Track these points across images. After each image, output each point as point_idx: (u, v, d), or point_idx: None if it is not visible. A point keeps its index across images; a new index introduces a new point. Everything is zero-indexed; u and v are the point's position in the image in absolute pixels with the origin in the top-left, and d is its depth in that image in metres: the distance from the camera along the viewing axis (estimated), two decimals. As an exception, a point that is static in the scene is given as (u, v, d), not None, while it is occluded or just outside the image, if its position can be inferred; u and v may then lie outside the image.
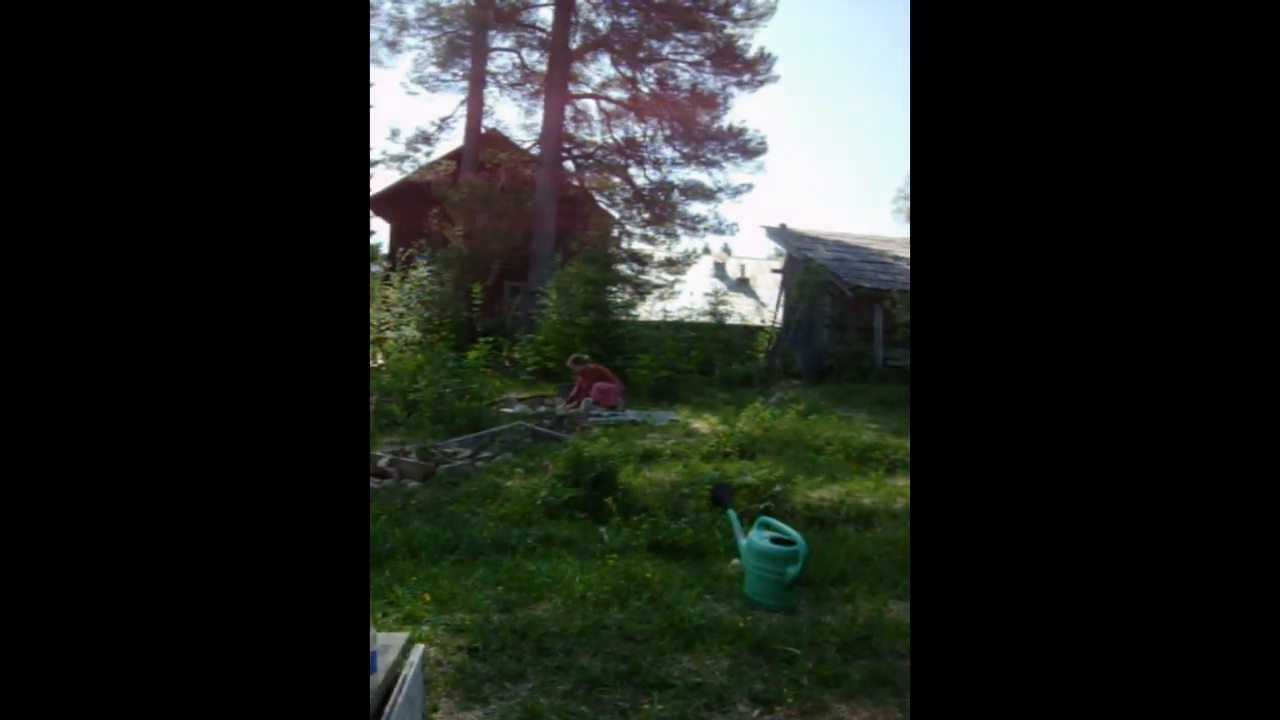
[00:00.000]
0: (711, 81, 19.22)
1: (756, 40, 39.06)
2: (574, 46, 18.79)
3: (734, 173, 24.89)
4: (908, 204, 36.91)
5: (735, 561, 4.38)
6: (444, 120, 19.77)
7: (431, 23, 19.02)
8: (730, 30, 18.56)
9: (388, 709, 1.77)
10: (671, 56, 19.00)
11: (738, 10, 18.35)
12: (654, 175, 19.97)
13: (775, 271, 20.88)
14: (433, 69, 19.72)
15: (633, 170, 20.01)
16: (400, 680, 1.89)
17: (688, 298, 17.08)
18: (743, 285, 25.40)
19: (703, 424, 8.83)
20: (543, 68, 19.04)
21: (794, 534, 4.00)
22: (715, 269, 26.61)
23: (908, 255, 16.93)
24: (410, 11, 19.03)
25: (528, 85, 20.01)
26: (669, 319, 14.83)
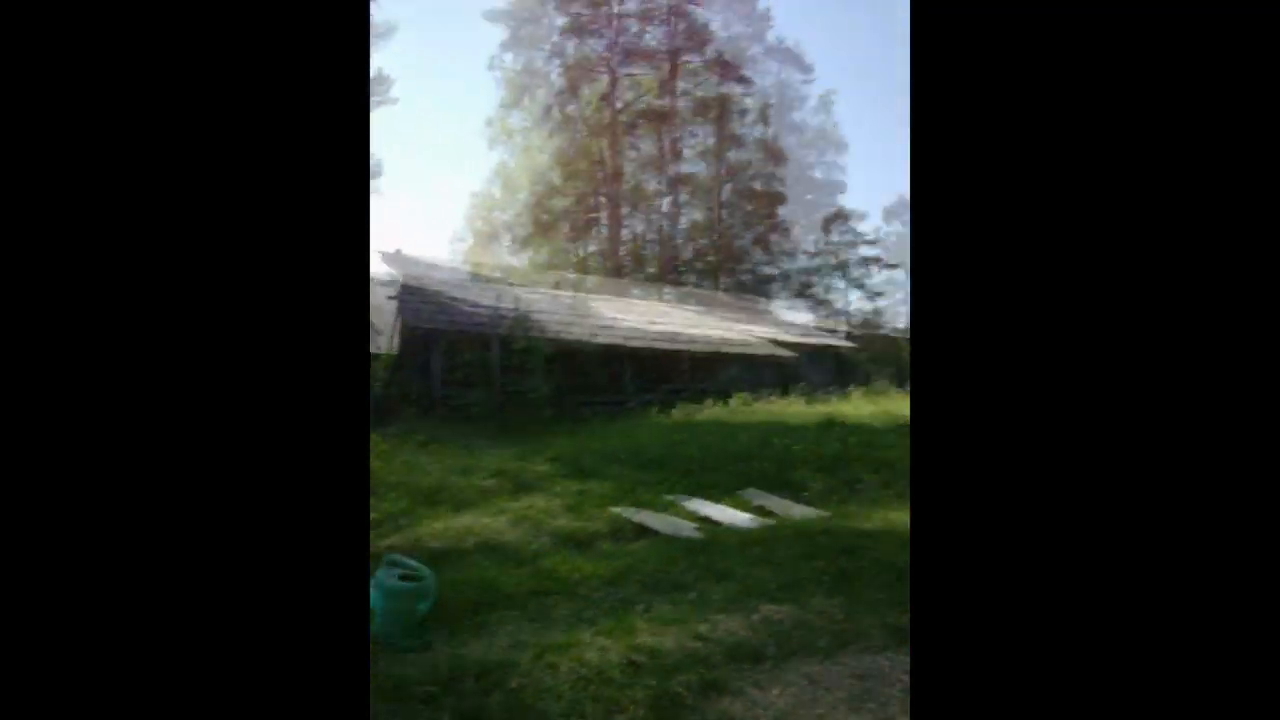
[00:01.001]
0: (324, 97, 18.30)
1: (374, 61, 38.08)
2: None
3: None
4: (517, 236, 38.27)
5: (360, 603, 4.10)
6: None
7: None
8: (344, 46, 17.87)
9: None
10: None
11: (352, 27, 17.76)
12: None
13: (390, 299, 20.32)
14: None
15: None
16: None
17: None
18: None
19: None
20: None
21: (422, 568, 3.87)
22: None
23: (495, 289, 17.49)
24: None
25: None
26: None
